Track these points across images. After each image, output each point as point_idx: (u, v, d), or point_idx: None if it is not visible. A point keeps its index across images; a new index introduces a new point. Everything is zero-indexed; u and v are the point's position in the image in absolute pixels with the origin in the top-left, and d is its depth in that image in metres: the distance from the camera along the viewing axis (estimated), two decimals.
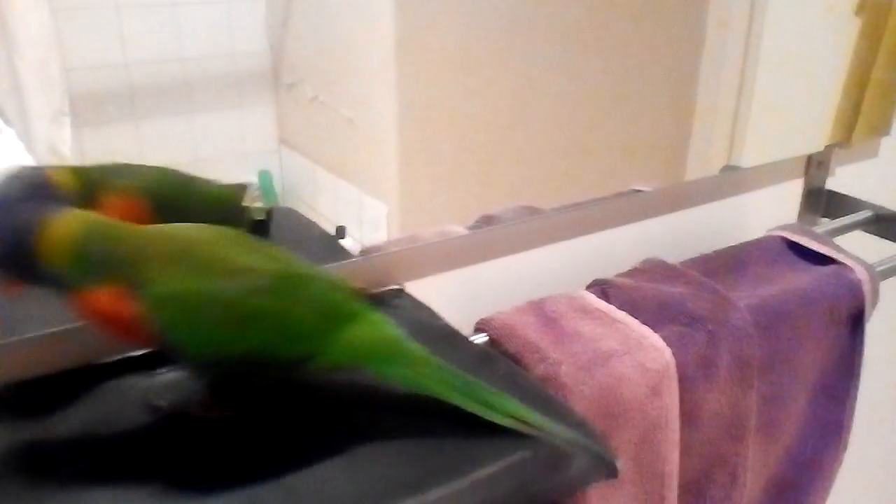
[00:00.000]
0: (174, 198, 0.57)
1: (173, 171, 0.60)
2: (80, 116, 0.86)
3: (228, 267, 0.49)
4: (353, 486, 0.48)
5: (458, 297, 0.71)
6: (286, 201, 1.10)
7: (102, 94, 1.00)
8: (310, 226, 0.83)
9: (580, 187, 1.10)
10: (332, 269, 0.71)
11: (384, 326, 0.57)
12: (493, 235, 0.84)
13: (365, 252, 0.77)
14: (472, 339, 0.66)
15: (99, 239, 0.46)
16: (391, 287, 0.71)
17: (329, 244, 0.78)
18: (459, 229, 0.86)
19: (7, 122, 0.72)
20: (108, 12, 0.98)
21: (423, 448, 0.51)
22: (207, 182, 0.61)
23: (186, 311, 0.47)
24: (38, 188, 0.55)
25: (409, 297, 0.70)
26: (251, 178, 1.07)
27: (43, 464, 0.48)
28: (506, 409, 0.56)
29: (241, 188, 0.61)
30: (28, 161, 0.76)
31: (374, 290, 0.71)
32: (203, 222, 0.54)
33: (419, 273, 0.74)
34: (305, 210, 1.02)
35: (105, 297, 0.45)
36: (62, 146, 0.80)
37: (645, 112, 1.18)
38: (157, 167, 0.60)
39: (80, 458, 0.50)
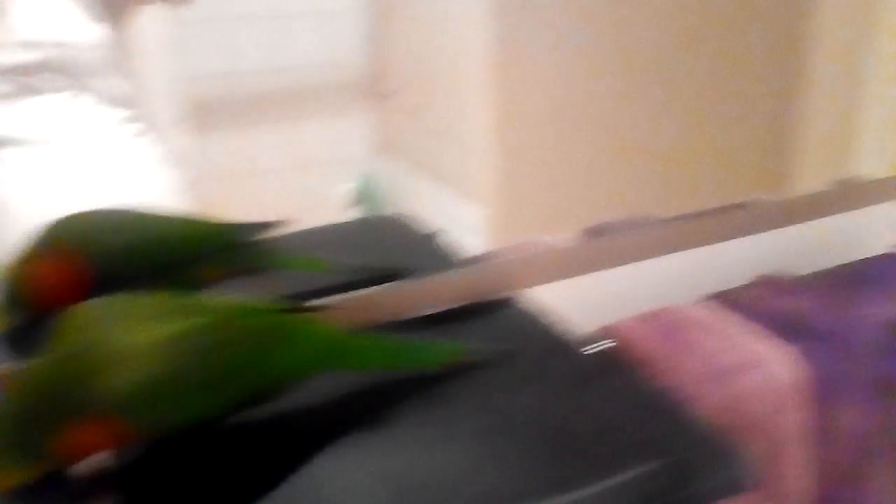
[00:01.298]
0: (145, 248, 0.57)
1: (145, 218, 0.59)
2: (195, 123, 0.89)
3: (155, 346, 0.48)
4: (493, 483, 0.47)
5: (571, 306, 0.70)
6: (384, 208, 1.11)
7: (214, 102, 1.04)
8: (417, 233, 0.83)
9: (681, 197, 1.06)
10: (444, 276, 0.71)
11: (324, 328, 0.57)
12: (607, 245, 0.83)
13: (479, 259, 0.77)
14: (588, 347, 0.64)
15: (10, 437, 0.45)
16: (506, 295, 0.71)
17: (439, 250, 0.78)
18: (571, 238, 0.85)
19: (144, 130, 0.75)
20: (222, 24, 1.02)
21: (556, 451, 0.50)
22: (200, 224, 0.60)
23: (155, 401, 0.47)
24: None
25: (523, 304, 0.69)
26: (351, 184, 1.08)
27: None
28: (445, 350, 0.59)
29: (246, 227, 0.60)
30: (160, 168, 0.78)
31: (490, 297, 0.71)
32: (195, 264, 0.55)
33: (533, 280, 0.73)
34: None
35: (75, 436, 0.45)
36: (182, 152, 0.83)
37: (749, 119, 1.14)
38: (127, 218, 0.59)
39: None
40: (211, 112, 1.01)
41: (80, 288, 0.52)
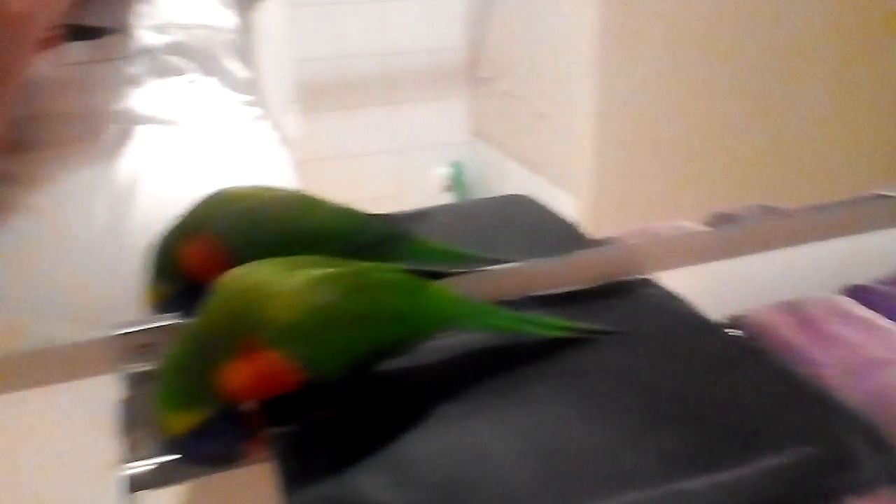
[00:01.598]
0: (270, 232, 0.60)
1: (290, 209, 0.62)
2: (302, 105, 0.93)
3: (319, 282, 0.52)
4: (638, 458, 0.49)
5: (701, 293, 0.70)
6: (476, 192, 1.11)
7: (318, 85, 1.07)
8: (546, 213, 0.84)
9: (786, 190, 1.01)
10: (577, 257, 0.73)
11: (441, 291, 0.58)
12: (736, 233, 0.81)
13: (608, 241, 0.78)
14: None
15: (180, 378, 0.49)
16: (639, 277, 0.73)
17: (568, 232, 0.80)
18: (696, 225, 0.84)
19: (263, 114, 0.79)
20: (329, 8, 1.05)
21: (704, 431, 0.51)
22: (345, 215, 0.63)
23: (309, 333, 0.50)
24: None
25: (658, 286, 0.70)
26: (443, 168, 1.09)
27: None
28: (559, 325, 0.61)
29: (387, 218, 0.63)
30: (278, 152, 0.82)
31: (622, 279, 0.73)
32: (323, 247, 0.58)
33: (662, 266, 0.73)
34: None
35: (242, 370, 0.48)
36: (292, 132, 0.87)
37: (870, 109, 1.05)
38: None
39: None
40: (314, 95, 1.05)
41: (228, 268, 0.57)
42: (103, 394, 0.59)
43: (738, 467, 0.49)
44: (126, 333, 0.59)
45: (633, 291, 0.69)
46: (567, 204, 0.98)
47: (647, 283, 0.69)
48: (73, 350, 0.61)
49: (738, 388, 0.56)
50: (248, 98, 0.78)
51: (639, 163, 1.02)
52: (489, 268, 0.66)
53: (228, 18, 0.75)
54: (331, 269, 0.53)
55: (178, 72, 0.73)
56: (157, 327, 0.59)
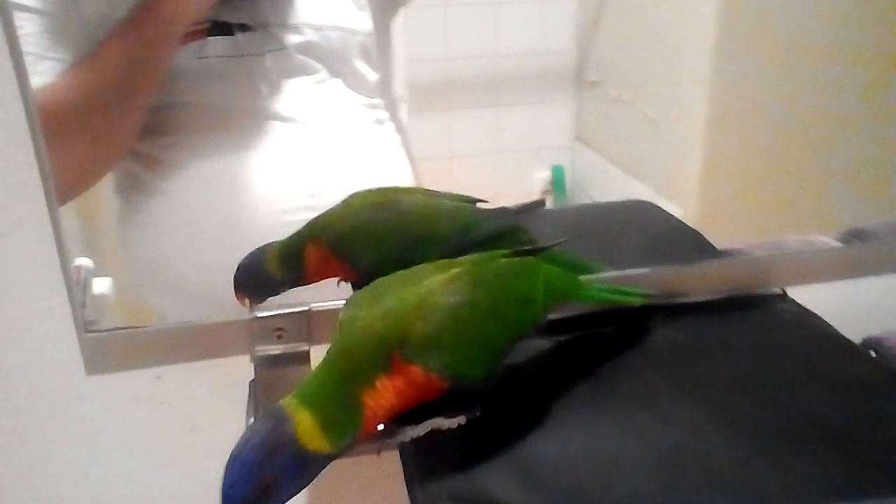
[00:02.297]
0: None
1: (406, 217, 0.63)
2: (411, 104, 0.94)
3: (442, 286, 0.52)
4: (770, 477, 0.48)
5: (833, 310, 0.68)
6: (576, 197, 1.10)
7: (426, 85, 1.08)
8: (672, 221, 0.84)
9: None
10: (707, 266, 0.72)
11: (549, 266, 0.59)
12: (871, 251, 0.78)
13: (737, 253, 0.77)
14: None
15: (332, 396, 0.49)
16: (773, 291, 0.71)
17: (694, 241, 0.79)
18: (828, 240, 0.81)
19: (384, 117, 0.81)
20: (439, 10, 1.06)
21: (842, 456, 0.50)
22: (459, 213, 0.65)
23: (446, 340, 0.51)
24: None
25: (793, 302, 0.68)
26: (544, 172, 1.09)
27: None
28: (640, 292, 0.63)
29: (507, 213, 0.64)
30: (399, 152, 0.84)
31: (753, 292, 0.72)
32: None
33: (794, 280, 0.71)
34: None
35: (388, 387, 0.49)
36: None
37: None
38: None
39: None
40: (420, 95, 1.06)
41: (345, 276, 0.60)
42: (235, 374, 0.61)
43: (875, 498, 0.46)
44: (260, 317, 0.60)
45: (766, 305, 0.67)
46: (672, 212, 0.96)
47: (781, 298, 0.68)
48: (210, 330, 0.63)
49: (882, 414, 0.54)
50: (374, 101, 0.79)
51: (749, 174, 0.99)
52: (616, 273, 0.66)
53: (363, 21, 0.77)
54: (452, 270, 0.53)
55: (308, 71, 0.75)
56: (290, 313, 0.61)
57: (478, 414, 0.53)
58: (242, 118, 0.74)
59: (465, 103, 1.10)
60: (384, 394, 0.49)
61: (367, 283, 0.54)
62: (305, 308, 0.61)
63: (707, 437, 0.52)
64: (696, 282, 0.68)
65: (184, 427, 0.69)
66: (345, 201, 0.62)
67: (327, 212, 0.62)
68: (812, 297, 0.68)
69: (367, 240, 0.61)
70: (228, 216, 0.67)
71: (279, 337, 0.61)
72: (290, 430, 0.46)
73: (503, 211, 0.65)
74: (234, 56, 0.71)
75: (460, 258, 0.56)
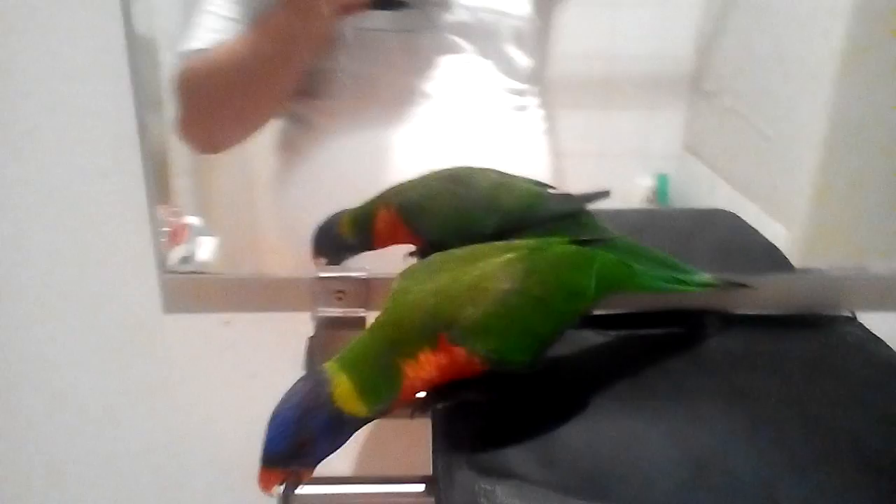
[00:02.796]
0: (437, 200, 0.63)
1: (472, 189, 0.65)
2: None
3: (495, 271, 0.53)
4: (794, 491, 0.48)
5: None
6: (678, 206, 1.09)
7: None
8: (751, 234, 0.82)
9: None
10: (777, 280, 0.71)
11: (610, 255, 0.59)
12: None
13: (814, 271, 0.75)
14: None
15: (373, 363, 0.51)
16: (842, 313, 0.69)
17: (771, 256, 0.78)
18: None
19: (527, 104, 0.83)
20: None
21: (875, 476, 0.49)
22: (524, 193, 0.66)
23: (497, 323, 0.52)
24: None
25: (861, 326, 0.67)
26: (649, 179, 1.08)
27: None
28: (700, 281, 0.63)
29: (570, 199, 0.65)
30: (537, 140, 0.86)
31: (820, 312, 0.70)
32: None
33: (862, 304, 0.69)
34: None
35: (432, 362, 0.51)
36: None
37: None
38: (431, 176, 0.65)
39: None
40: None
41: (411, 243, 0.63)
42: (297, 329, 0.65)
43: None
44: (322, 278, 0.64)
45: (831, 326, 0.65)
46: (776, 233, 0.93)
47: (849, 321, 0.65)
48: (276, 283, 0.67)
49: None
50: (521, 86, 0.81)
51: (865, 199, 0.95)
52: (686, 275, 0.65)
53: (520, 6, 0.78)
54: (507, 255, 0.54)
55: (457, 50, 0.78)
56: (351, 277, 0.64)
57: (510, 393, 0.54)
58: (390, 91, 0.78)
59: (574, 103, 1.10)
60: (425, 367, 0.51)
61: (429, 254, 0.57)
62: (365, 274, 0.64)
63: (737, 444, 0.51)
64: (758, 295, 0.66)
65: (245, 372, 0.74)
66: (422, 174, 0.64)
67: (403, 181, 0.64)
68: (884, 323, 0.65)
69: (435, 207, 0.63)
70: (366, 184, 0.68)
71: (339, 299, 0.65)
72: (327, 393, 0.49)
73: (568, 196, 0.66)
74: (390, 30, 0.75)
75: (517, 242, 0.57)
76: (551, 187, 0.66)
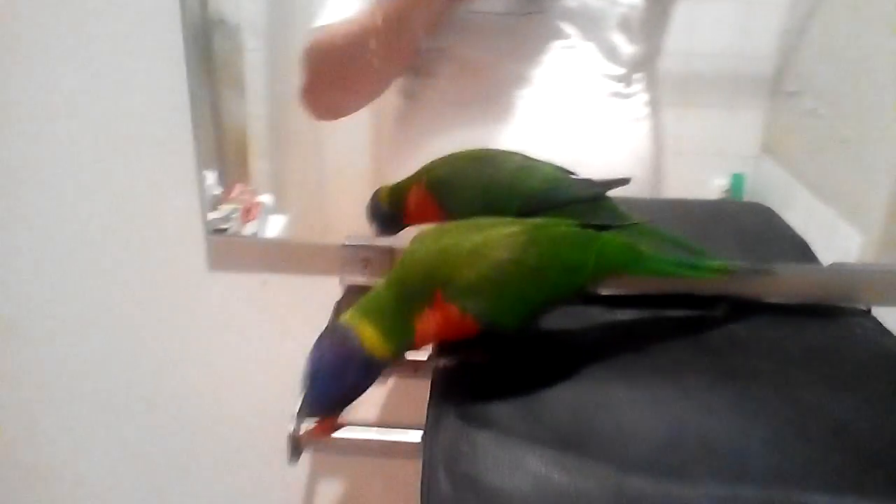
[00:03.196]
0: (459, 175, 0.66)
1: (501, 167, 0.68)
2: None
3: (497, 240, 0.57)
4: (767, 461, 0.50)
5: None
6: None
7: None
8: (783, 228, 0.82)
9: None
10: (791, 271, 0.72)
11: (617, 238, 0.61)
12: None
13: (834, 265, 0.75)
14: None
15: (389, 312, 0.56)
16: (859, 306, 0.69)
17: (798, 249, 0.78)
18: None
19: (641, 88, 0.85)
20: None
21: (852, 454, 0.51)
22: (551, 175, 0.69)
23: (491, 287, 0.56)
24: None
25: (875, 320, 0.67)
26: (722, 179, 1.08)
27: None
28: (712, 267, 0.65)
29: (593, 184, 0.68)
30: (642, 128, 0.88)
31: (840, 304, 0.70)
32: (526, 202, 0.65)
33: (876, 299, 0.69)
34: None
35: (430, 318, 0.55)
36: None
37: None
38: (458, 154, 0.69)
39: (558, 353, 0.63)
40: None
41: (438, 219, 0.67)
42: (327, 293, 0.70)
43: (872, 499, 0.45)
44: (349, 245, 0.69)
45: (843, 317, 0.64)
46: (853, 240, 0.91)
47: (863, 314, 0.64)
48: (307, 248, 0.73)
49: None
50: (622, 72, 0.82)
51: None
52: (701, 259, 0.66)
53: None
54: (512, 228, 0.57)
55: (561, 36, 0.80)
56: (376, 246, 0.69)
57: (508, 356, 0.57)
58: (493, 72, 0.81)
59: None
60: (428, 323, 0.55)
61: None
62: (389, 245, 0.68)
63: (717, 417, 0.53)
64: (773, 283, 0.66)
65: (279, 330, 0.80)
66: (451, 153, 0.68)
67: (435, 159, 0.68)
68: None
69: (460, 185, 0.67)
70: None
71: (365, 267, 0.69)
72: (357, 342, 0.54)
73: (589, 182, 0.68)
74: (499, 14, 0.79)
75: (527, 220, 0.60)
76: (573, 173, 0.68)
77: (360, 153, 0.94)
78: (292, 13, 0.88)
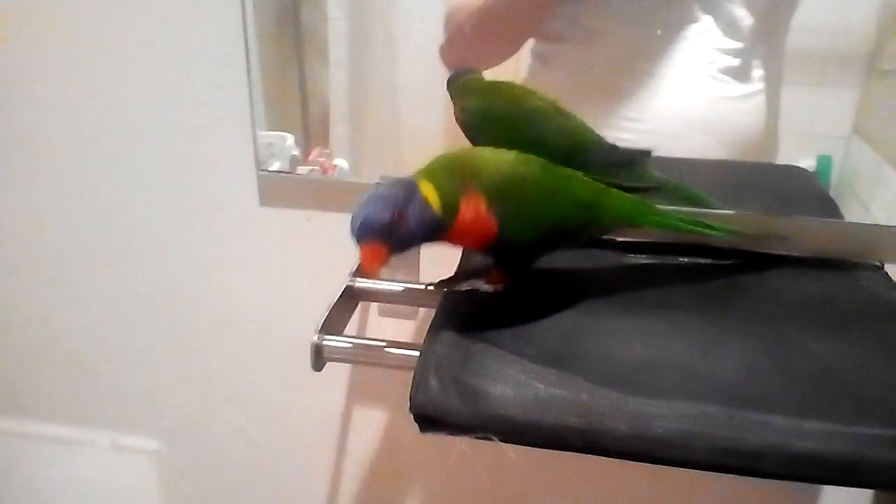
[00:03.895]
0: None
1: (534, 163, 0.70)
2: None
3: (528, 160, 0.63)
4: (740, 383, 0.53)
5: None
6: (841, 193, 1.07)
7: None
8: (814, 187, 0.82)
9: None
10: (817, 224, 0.73)
11: (622, 194, 0.65)
12: None
13: (852, 221, 0.75)
14: None
15: (447, 180, 0.61)
16: (871, 261, 0.69)
17: (825, 205, 0.78)
18: None
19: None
20: None
21: (820, 383, 0.53)
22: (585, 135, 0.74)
23: (511, 191, 0.61)
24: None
25: (885, 274, 0.67)
26: (810, 160, 1.07)
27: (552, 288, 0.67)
28: (725, 228, 0.68)
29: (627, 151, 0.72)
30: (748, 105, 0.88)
31: (853, 259, 0.71)
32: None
33: (890, 255, 0.68)
34: (857, 205, 0.98)
35: (465, 209, 0.60)
36: None
37: None
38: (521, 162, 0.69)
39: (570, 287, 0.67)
40: None
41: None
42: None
43: (830, 422, 0.46)
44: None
45: (852, 270, 0.63)
46: None
47: (874, 269, 0.63)
48: (347, 186, 0.78)
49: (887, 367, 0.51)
50: (740, 45, 0.83)
51: None
52: (715, 211, 0.67)
53: None
54: (536, 158, 0.61)
55: (683, 8, 0.82)
56: None
57: (515, 287, 0.61)
58: (613, 41, 0.86)
59: None
60: (466, 206, 0.60)
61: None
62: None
63: (703, 349, 0.55)
64: (800, 236, 0.66)
65: (322, 262, 0.88)
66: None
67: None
68: None
69: (494, 126, 0.71)
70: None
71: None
72: (415, 187, 0.59)
73: (625, 149, 0.71)
74: None
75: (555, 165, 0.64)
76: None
77: (435, 123, 0.99)
78: None
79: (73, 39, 0.90)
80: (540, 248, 0.63)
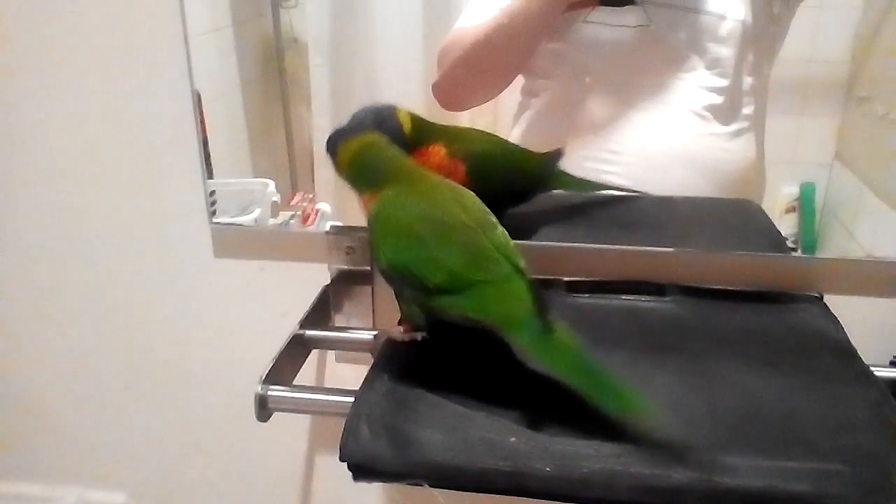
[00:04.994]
0: (490, 160, 0.76)
1: (496, 139, 0.80)
2: None
3: (425, 196, 0.66)
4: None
5: (873, 326, 0.64)
6: (824, 220, 1.06)
7: None
8: (760, 222, 0.82)
9: None
10: (757, 258, 0.74)
11: (523, 298, 0.58)
12: None
13: (793, 252, 0.75)
14: (878, 370, 0.60)
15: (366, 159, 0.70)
16: (810, 293, 0.69)
17: (772, 239, 0.78)
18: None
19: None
20: None
21: (761, 422, 0.54)
22: (520, 149, 0.81)
23: (384, 224, 0.65)
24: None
25: (823, 306, 0.67)
26: (792, 188, 1.06)
27: None
28: (625, 406, 0.55)
29: (551, 155, 0.77)
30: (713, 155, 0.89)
31: (790, 291, 0.70)
32: (511, 180, 0.77)
33: (840, 289, 0.68)
34: (841, 231, 0.97)
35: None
36: None
37: None
38: (484, 135, 0.80)
39: None
40: None
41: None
42: (317, 278, 0.75)
43: (753, 457, 0.48)
44: (334, 234, 0.74)
45: (790, 303, 0.63)
46: None
47: (813, 301, 0.62)
48: (296, 236, 0.79)
49: (827, 404, 0.51)
50: (722, 84, 0.85)
51: None
52: (650, 249, 0.66)
53: (739, 10, 0.84)
54: (455, 210, 0.66)
55: (669, 47, 0.85)
56: (358, 235, 0.74)
57: (416, 332, 0.61)
58: (600, 78, 0.89)
59: None
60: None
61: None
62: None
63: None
64: (735, 268, 0.66)
65: (277, 312, 0.87)
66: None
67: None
68: (849, 307, 0.62)
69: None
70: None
71: (348, 254, 0.75)
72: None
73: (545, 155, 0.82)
74: (608, 25, 0.86)
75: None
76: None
77: None
78: (354, 30, 0.93)
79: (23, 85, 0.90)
80: (395, 285, 0.63)
